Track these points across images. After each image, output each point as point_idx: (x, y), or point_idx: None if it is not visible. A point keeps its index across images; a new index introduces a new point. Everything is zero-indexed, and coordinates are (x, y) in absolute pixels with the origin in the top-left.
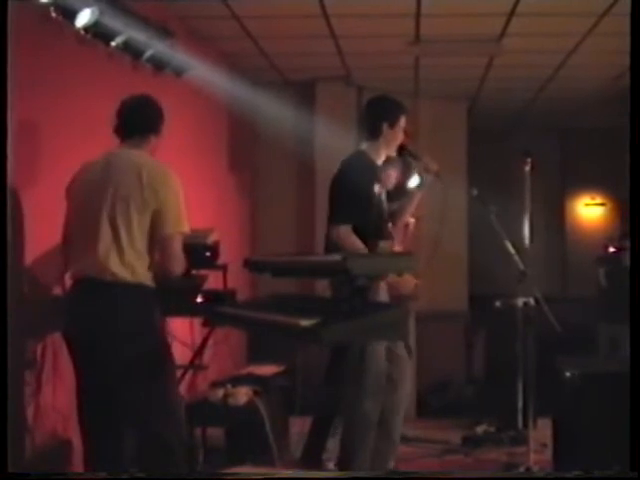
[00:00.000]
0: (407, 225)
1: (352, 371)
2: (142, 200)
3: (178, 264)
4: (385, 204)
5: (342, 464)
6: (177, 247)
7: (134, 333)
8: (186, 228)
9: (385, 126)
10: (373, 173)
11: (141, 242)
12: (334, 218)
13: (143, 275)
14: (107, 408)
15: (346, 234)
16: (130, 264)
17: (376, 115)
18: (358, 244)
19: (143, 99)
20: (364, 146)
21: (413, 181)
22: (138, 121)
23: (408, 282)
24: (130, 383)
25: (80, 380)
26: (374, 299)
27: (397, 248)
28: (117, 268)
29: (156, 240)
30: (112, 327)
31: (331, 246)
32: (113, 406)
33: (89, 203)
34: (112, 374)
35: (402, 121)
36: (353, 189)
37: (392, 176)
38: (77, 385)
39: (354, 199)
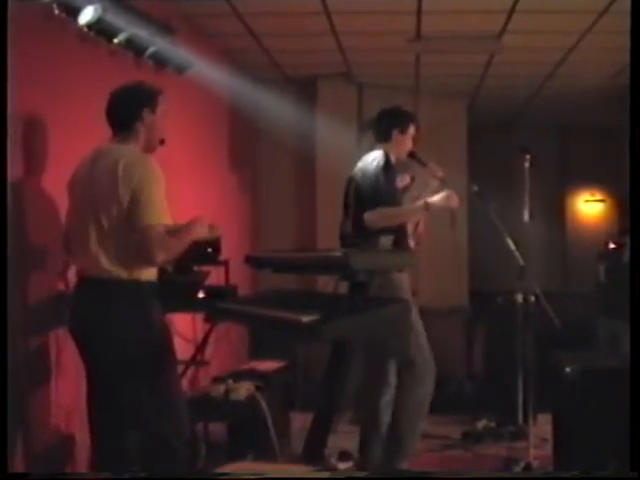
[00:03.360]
0: (417, 225)
1: (402, 362)
2: (118, 195)
3: (159, 255)
4: (403, 200)
5: (390, 457)
6: (155, 237)
7: (131, 330)
8: (166, 220)
9: (396, 132)
10: (393, 170)
11: (127, 237)
12: (366, 209)
13: (137, 270)
14: (110, 406)
15: (373, 215)
16: (122, 260)
17: (388, 122)
18: (387, 211)
19: (119, 90)
20: (378, 149)
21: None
22: (117, 114)
23: (451, 198)
24: (129, 381)
25: (87, 377)
26: (396, 295)
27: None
28: (109, 265)
29: (133, 230)
30: (109, 325)
31: (350, 240)
32: (115, 404)
33: (79, 201)
34: (112, 371)
35: (412, 129)
36: (382, 183)
37: (406, 179)
38: (87, 382)
39: (383, 192)
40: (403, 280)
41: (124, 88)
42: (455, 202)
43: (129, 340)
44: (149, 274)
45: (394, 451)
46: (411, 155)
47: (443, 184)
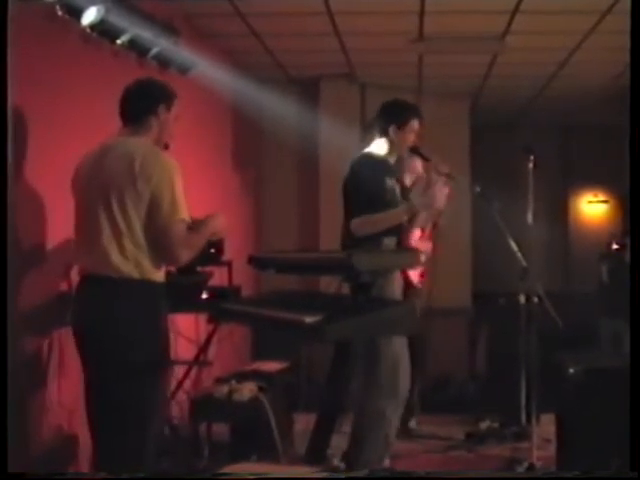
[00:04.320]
0: (436, 225)
1: (366, 366)
2: (136, 191)
3: (182, 251)
4: (399, 198)
5: (350, 459)
6: (178, 234)
7: (141, 331)
8: (185, 215)
9: (392, 128)
10: (384, 168)
11: (142, 235)
12: (353, 215)
13: (149, 270)
14: (114, 405)
15: (358, 222)
16: (134, 259)
17: (385, 117)
18: (370, 217)
19: (138, 82)
20: (375, 144)
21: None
22: (132, 106)
23: (436, 197)
24: (130, 380)
25: (86, 376)
26: (387, 295)
27: (421, 245)
28: (121, 264)
29: (155, 230)
30: (117, 324)
31: (349, 241)
32: (119, 403)
33: (87, 196)
34: (117, 371)
35: (413, 124)
36: (366, 184)
37: (418, 167)
38: (85, 382)
39: (368, 194)
40: (398, 280)
41: (143, 80)
42: (441, 202)
43: (138, 340)
44: (159, 275)
45: (355, 457)
46: (413, 150)
47: (450, 180)
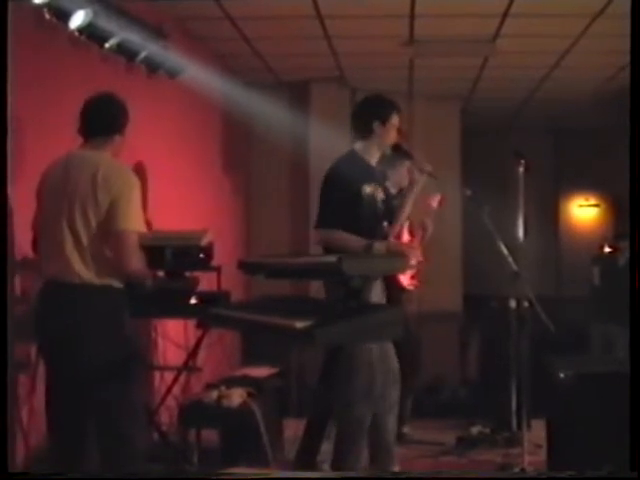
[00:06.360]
0: (425, 229)
1: (342, 373)
2: (96, 201)
3: (133, 260)
4: (381, 203)
5: (335, 467)
6: (130, 243)
7: (102, 334)
8: (141, 227)
9: (376, 124)
10: (364, 172)
11: (102, 243)
12: (317, 221)
13: (109, 277)
14: (74, 409)
15: (329, 236)
16: (95, 266)
17: (367, 114)
18: (345, 241)
19: (106, 98)
20: (357, 146)
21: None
22: (101, 122)
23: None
24: (96, 384)
25: (50, 380)
26: (368, 298)
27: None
28: (83, 271)
29: (109, 235)
30: (80, 329)
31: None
32: (80, 407)
33: (51, 205)
34: (80, 375)
35: (394, 119)
36: (340, 191)
37: (404, 175)
38: (47, 385)
39: (340, 201)
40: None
41: (108, 100)
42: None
43: (101, 345)
44: (117, 281)
45: (340, 467)
46: (395, 148)
47: (433, 179)
